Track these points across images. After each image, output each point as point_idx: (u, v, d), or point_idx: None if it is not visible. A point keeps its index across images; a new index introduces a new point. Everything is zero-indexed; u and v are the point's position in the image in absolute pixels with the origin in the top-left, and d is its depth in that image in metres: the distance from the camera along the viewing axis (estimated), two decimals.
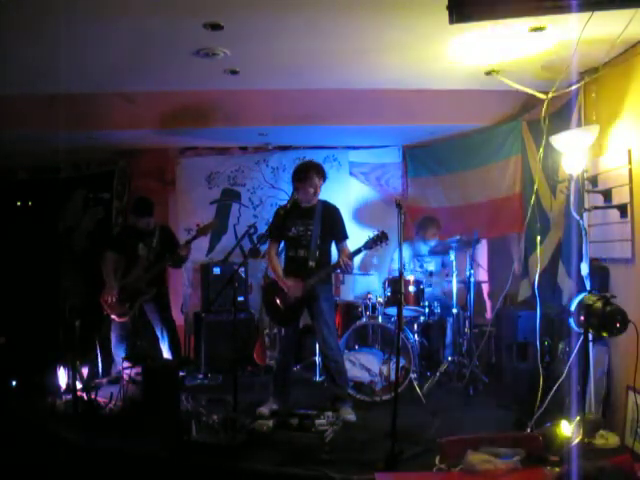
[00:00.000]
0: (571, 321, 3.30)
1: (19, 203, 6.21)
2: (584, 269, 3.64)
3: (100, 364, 5.16)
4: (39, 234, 5.91)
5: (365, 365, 4.58)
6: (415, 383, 4.50)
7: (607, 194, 3.64)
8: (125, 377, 4.26)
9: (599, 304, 3.10)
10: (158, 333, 5.01)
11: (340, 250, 4.14)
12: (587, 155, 3.56)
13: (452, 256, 4.94)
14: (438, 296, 5.25)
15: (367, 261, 5.98)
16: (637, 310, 3.28)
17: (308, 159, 4.97)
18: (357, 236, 4.31)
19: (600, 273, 3.72)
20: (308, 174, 4.07)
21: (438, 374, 4.75)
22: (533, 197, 4.32)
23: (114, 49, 3.72)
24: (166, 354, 4.97)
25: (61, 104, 4.75)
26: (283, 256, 4.31)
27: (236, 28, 3.41)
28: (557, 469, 2.83)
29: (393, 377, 3.82)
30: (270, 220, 4.57)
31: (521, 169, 5.03)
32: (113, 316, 4.91)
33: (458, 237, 4.92)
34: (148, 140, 5.70)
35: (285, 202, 4.26)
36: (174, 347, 5.02)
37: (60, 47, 3.65)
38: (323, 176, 4.13)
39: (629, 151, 3.47)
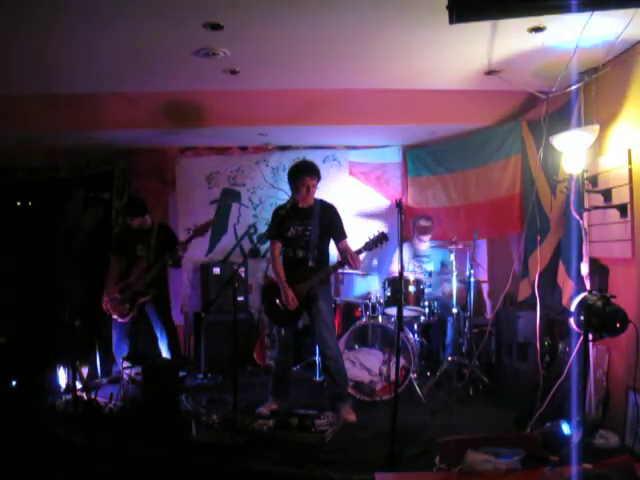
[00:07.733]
0: (571, 321, 3.30)
1: (19, 203, 6.20)
2: (584, 269, 3.64)
3: (100, 364, 5.16)
4: (39, 234, 5.90)
5: (365, 365, 4.58)
6: (415, 383, 4.51)
7: (607, 194, 3.64)
8: (125, 377, 4.26)
9: (599, 304, 3.10)
10: (157, 333, 5.01)
11: (341, 249, 4.14)
12: (587, 155, 3.56)
13: (452, 256, 4.94)
14: (438, 296, 5.26)
15: (367, 263, 5.97)
16: (637, 310, 3.28)
17: (304, 159, 4.88)
18: (357, 236, 4.30)
19: (600, 273, 3.72)
20: (299, 174, 4.08)
21: (438, 374, 4.75)
22: (533, 197, 4.33)
23: (114, 49, 3.72)
24: (165, 354, 4.97)
25: (61, 104, 4.75)
26: (282, 257, 4.30)
27: (236, 28, 3.41)
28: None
29: (393, 377, 3.82)
30: (270, 220, 4.55)
31: (521, 169, 5.03)
32: (114, 317, 4.92)
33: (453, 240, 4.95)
34: (148, 140, 5.69)
35: (284, 202, 4.27)
36: (174, 347, 5.02)
37: (60, 47, 3.67)
38: (317, 175, 4.10)
39: (629, 151, 3.47)
